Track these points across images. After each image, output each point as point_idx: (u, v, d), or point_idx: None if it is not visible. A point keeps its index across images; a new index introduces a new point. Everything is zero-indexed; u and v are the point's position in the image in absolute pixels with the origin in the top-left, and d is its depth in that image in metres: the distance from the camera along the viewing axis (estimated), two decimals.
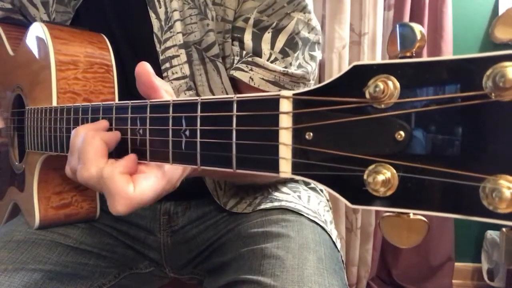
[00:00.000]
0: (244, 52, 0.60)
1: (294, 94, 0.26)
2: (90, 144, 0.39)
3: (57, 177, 0.61)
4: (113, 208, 0.37)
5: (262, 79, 0.59)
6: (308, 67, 0.61)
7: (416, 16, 1.58)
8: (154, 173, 0.39)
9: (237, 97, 0.29)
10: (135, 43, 0.65)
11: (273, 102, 0.27)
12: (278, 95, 0.26)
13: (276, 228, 0.58)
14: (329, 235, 0.62)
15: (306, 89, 0.26)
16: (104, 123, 0.43)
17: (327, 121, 0.24)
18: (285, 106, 0.26)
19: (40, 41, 0.58)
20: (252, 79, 0.59)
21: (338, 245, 0.64)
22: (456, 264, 1.70)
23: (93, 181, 0.39)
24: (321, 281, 0.49)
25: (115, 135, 0.41)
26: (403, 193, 0.22)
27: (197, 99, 0.31)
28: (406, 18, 1.56)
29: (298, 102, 0.26)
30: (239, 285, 0.52)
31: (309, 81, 0.62)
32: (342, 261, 0.62)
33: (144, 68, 0.39)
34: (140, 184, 0.38)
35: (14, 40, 0.74)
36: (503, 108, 0.20)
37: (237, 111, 0.29)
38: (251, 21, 0.59)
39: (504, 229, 0.22)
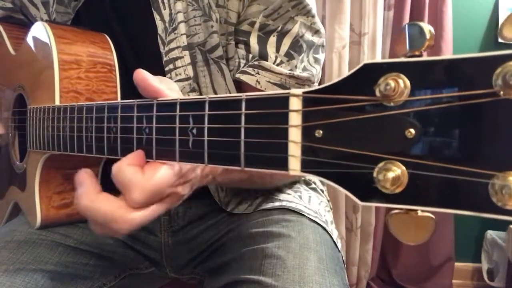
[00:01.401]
0: (251, 56, 0.60)
1: (303, 93, 0.26)
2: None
3: (58, 177, 0.60)
4: (130, 198, 0.37)
5: (269, 82, 0.59)
6: (313, 70, 0.61)
7: (416, 16, 1.59)
8: (165, 164, 0.39)
9: (246, 96, 0.29)
10: (137, 44, 0.65)
11: (283, 100, 0.27)
12: (288, 93, 0.27)
13: (277, 228, 0.58)
14: (330, 235, 0.62)
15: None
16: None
17: (337, 119, 0.24)
18: (295, 104, 0.26)
19: (43, 40, 0.58)
20: (259, 82, 0.59)
21: (339, 245, 0.64)
22: (456, 264, 1.70)
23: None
24: (322, 281, 0.49)
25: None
26: (413, 190, 0.22)
27: (205, 98, 0.31)
28: (406, 18, 1.57)
29: (308, 100, 0.26)
30: (240, 285, 0.51)
31: (314, 83, 0.63)
32: (343, 261, 0.62)
33: (140, 75, 0.39)
34: (149, 171, 0.37)
35: (16, 39, 0.73)
36: (511, 106, 0.20)
37: (246, 109, 0.29)
38: (256, 25, 0.59)
39: (511, 226, 0.22)
